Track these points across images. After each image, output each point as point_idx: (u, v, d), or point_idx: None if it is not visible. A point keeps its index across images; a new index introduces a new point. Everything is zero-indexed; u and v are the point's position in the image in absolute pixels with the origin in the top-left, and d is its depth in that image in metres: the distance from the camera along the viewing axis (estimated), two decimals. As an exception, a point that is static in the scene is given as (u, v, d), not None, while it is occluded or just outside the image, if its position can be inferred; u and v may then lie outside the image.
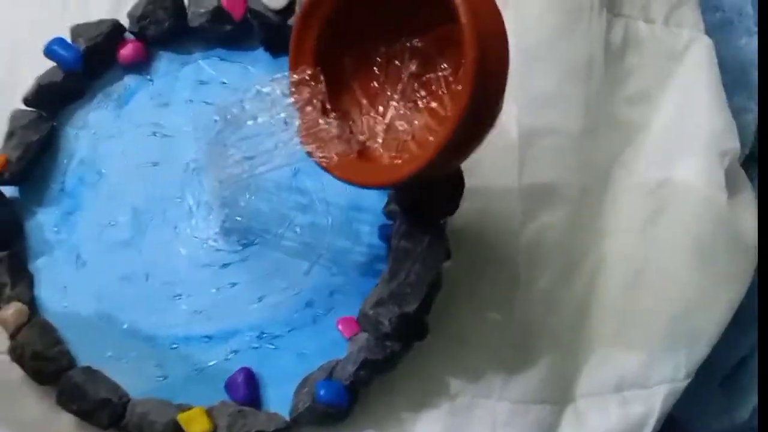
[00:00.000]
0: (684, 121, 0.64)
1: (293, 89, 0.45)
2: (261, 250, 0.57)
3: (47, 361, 0.52)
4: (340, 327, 0.55)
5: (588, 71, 0.61)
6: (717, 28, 0.68)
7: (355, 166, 0.45)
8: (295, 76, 0.45)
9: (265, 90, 0.45)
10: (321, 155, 0.44)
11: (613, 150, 0.63)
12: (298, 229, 0.57)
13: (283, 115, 0.45)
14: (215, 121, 0.48)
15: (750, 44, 0.73)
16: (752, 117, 0.70)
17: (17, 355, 0.52)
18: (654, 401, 0.58)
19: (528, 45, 0.59)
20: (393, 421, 0.55)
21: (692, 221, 0.62)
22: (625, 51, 0.64)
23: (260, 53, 0.60)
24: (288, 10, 0.55)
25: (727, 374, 0.67)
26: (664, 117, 0.64)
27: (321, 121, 0.44)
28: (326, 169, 0.45)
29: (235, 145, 0.46)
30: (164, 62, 0.60)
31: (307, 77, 0.45)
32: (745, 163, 0.66)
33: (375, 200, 0.57)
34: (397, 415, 0.55)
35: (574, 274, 0.59)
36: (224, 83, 0.59)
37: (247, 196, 0.57)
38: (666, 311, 0.60)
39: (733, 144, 0.62)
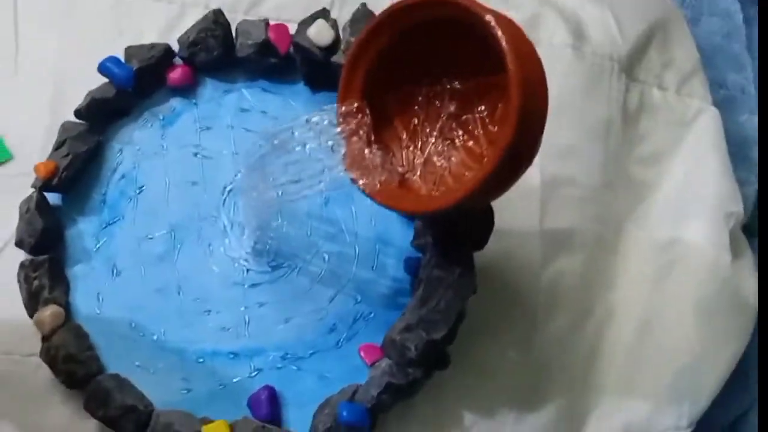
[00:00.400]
0: (692, 183, 0.68)
1: (341, 120, 0.48)
2: (289, 274, 0.59)
3: (79, 365, 0.54)
4: (362, 353, 0.57)
5: (607, 130, 0.65)
6: (720, 105, 0.72)
7: (396, 193, 0.48)
8: (343, 108, 0.48)
9: (314, 119, 0.47)
10: (364, 182, 0.47)
11: (626, 206, 0.66)
12: (326, 257, 0.59)
13: (330, 143, 0.47)
14: (260, 145, 0.51)
15: (750, 121, 0.78)
16: (753, 189, 0.74)
17: (50, 356, 0.53)
18: (657, 449, 0.60)
19: (553, 100, 0.62)
20: (407, 449, 0.56)
21: (698, 279, 0.65)
22: (640, 115, 0.68)
23: (300, 87, 0.63)
24: (333, 47, 0.58)
25: (727, 428, 0.68)
26: (674, 179, 0.68)
27: (366, 150, 0.47)
28: (369, 195, 0.48)
29: (280, 169, 0.49)
30: (209, 88, 0.63)
31: (354, 109, 0.48)
32: (744, 231, 0.70)
33: (401, 235, 0.60)
34: (411, 443, 0.57)
35: (587, 319, 0.62)
36: (264, 112, 0.62)
37: (280, 221, 0.60)
38: (671, 362, 0.62)
39: (737, 207, 0.66)
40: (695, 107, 0.69)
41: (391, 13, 0.46)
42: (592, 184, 0.63)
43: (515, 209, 0.58)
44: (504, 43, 0.39)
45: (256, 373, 0.57)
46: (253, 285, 0.59)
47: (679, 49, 0.70)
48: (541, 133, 0.42)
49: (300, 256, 0.59)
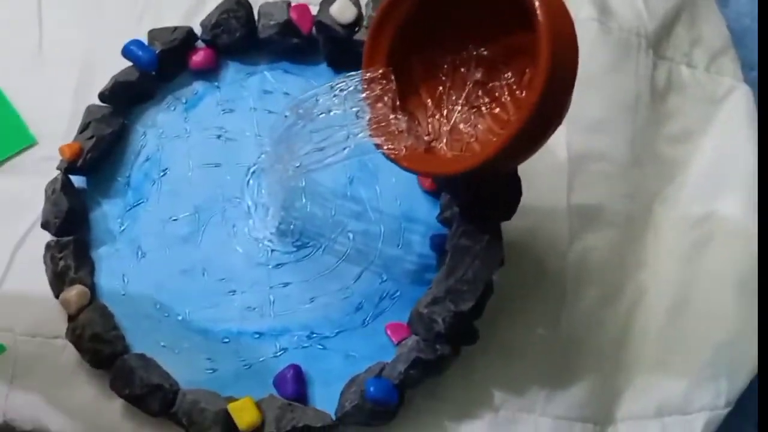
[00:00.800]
0: (724, 160, 0.66)
1: (365, 86, 0.48)
2: (314, 253, 0.58)
3: (104, 344, 0.53)
4: (388, 332, 0.57)
5: (634, 106, 0.64)
6: (752, 86, 0.71)
7: (422, 158, 0.47)
8: (368, 73, 0.48)
9: (339, 86, 0.47)
10: (389, 147, 0.46)
11: (655, 185, 0.65)
12: (351, 236, 0.59)
13: (355, 109, 0.47)
14: (285, 116, 0.50)
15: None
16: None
17: (76, 336, 0.53)
18: (694, 428, 0.59)
19: (580, 73, 0.61)
20: (436, 428, 0.55)
21: (733, 254, 0.63)
22: (668, 92, 0.67)
23: (323, 68, 0.63)
24: (355, 24, 0.58)
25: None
26: (705, 156, 0.67)
27: (391, 116, 0.46)
28: (394, 160, 0.47)
29: (305, 137, 0.48)
30: (231, 71, 0.63)
31: (379, 75, 0.47)
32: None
33: (427, 211, 0.59)
34: (440, 422, 0.56)
35: (617, 297, 0.60)
36: (287, 94, 0.62)
37: (304, 200, 0.59)
38: (707, 340, 0.61)
39: None
40: (726, 85, 0.68)
41: None
42: (620, 160, 0.62)
43: (542, 184, 0.57)
44: (534, -1, 0.39)
45: (281, 352, 0.56)
46: (278, 265, 0.58)
47: (707, 27, 0.69)
48: (571, 90, 0.41)
49: (325, 236, 0.59)
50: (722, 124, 0.68)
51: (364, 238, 0.59)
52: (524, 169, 0.49)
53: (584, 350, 0.58)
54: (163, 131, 0.61)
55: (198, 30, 0.62)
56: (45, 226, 0.56)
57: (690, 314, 0.62)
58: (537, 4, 0.39)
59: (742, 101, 0.68)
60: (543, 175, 0.58)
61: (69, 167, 0.57)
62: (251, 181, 0.60)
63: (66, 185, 0.56)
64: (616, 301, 0.60)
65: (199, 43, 0.62)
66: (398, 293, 0.58)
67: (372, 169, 0.60)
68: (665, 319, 0.61)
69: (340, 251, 0.58)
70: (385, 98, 0.47)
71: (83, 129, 0.58)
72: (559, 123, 0.42)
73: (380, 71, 0.48)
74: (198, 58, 0.61)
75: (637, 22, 0.65)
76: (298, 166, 0.49)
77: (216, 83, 0.62)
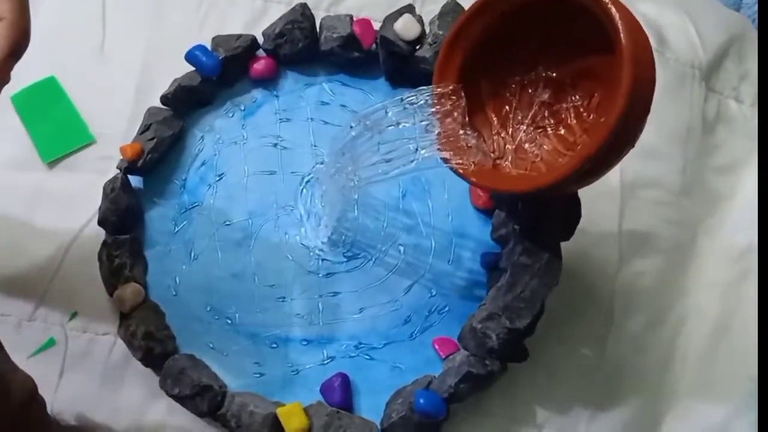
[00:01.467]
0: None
1: (436, 101, 0.49)
2: (365, 264, 0.59)
3: (156, 343, 0.54)
4: (436, 346, 0.57)
5: (687, 136, 0.65)
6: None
7: (490, 174, 0.48)
8: (439, 89, 0.48)
9: (409, 98, 0.48)
10: (458, 162, 0.47)
11: (700, 214, 0.66)
12: (401, 249, 0.59)
13: (424, 123, 0.48)
14: (351, 126, 0.51)
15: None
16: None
17: (129, 333, 0.54)
18: (732, 455, 0.59)
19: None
20: (479, 443, 0.56)
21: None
22: (716, 124, 0.68)
23: (381, 83, 0.64)
24: (418, 41, 0.59)
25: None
26: (748, 189, 0.67)
27: (461, 132, 0.47)
28: (463, 175, 0.48)
29: (372, 148, 0.49)
30: (290, 81, 0.64)
31: (450, 91, 0.48)
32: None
33: (478, 228, 0.60)
34: (483, 437, 0.56)
35: (661, 323, 0.61)
36: (344, 106, 0.63)
37: (356, 212, 0.60)
38: (747, 368, 0.61)
39: None
40: None
41: None
42: (672, 188, 0.62)
43: (595, 208, 0.58)
44: (617, 19, 0.40)
45: (328, 360, 0.57)
46: (328, 274, 0.59)
47: (754, 64, 0.70)
48: (647, 115, 0.42)
49: (376, 247, 0.59)
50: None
51: (415, 251, 0.59)
52: (579, 193, 0.50)
53: (628, 373, 0.59)
54: (220, 136, 0.61)
55: (260, 38, 0.62)
56: (102, 223, 0.57)
57: (729, 343, 0.62)
58: (620, 26, 0.40)
59: None
60: (596, 199, 0.58)
61: (129, 167, 0.57)
62: (305, 190, 0.61)
63: (125, 184, 0.57)
64: (659, 327, 0.61)
65: (260, 52, 0.63)
66: (447, 308, 0.58)
67: (424, 184, 0.61)
68: (705, 347, 0.62)
69: (391, 264, 0.59)
70: (455, 114, 0.48)
71: (144, 130, 0.59)
72: (631, 147, 0.43)
73: (451, 87, 0.48)
74: (259, 66, 0.62)
75: (692, 54, 0.66)
76: (363, 177, 0.49)
77: (275, 92, 0.63)
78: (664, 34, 0.66)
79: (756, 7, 0.85)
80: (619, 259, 0.60)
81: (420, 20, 0.59)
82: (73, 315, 0.56)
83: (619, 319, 0.59)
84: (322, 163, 0.60)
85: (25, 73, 0.59)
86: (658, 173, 0.62)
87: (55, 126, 0.62)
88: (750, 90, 0.71)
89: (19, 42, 0.40)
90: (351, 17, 0.61)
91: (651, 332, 0.60)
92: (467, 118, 0.49)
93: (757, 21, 0.82)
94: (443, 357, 0.56)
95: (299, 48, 0.61)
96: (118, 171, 0.58)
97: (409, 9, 0.60)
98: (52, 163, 0.61)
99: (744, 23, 0.75)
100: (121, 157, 0.58)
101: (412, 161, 0.47)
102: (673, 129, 0.63)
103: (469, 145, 0.47)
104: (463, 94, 0.48)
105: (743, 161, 0.68)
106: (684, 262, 0.63)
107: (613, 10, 0.40)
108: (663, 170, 0.62)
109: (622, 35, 0.39)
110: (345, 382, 0.55)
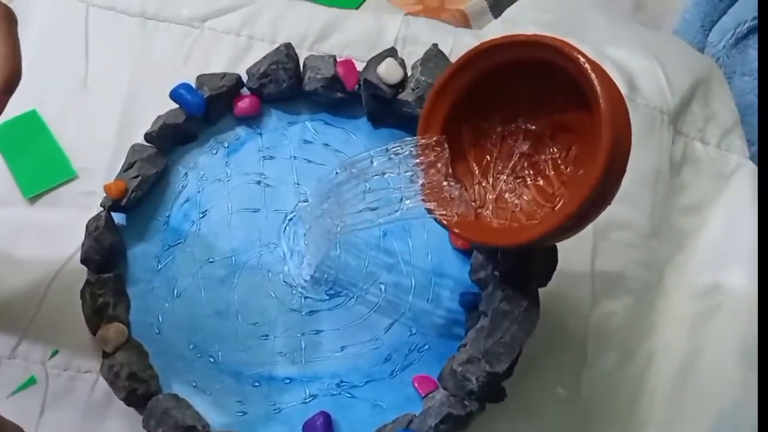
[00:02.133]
0: (731, 234, 0.70)
1: (420, 152, 0.50)
2: (347, 302, 0.60)
3: (140, 383, 0.54)
4: (415, 384, 0.58)
5: (656, 179, 0.67)
6: (752, 159, 0.75)
7: (473, 225, 0.49)
8: (423, 140, 0.50)
9: (394, 149, 0.49)
10: (442, 213, 0.49)
11: (667, 253, 0.68)
12: (382, 287, 0.61)
13: (408, 173, 0.49)
14: (336, 172, 0.53)
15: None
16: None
17: (113, 373, 0.54)
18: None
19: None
20: (456, 482, 0.57)
21: (738, 326, 0.66)
22: (682, 166, 0.71)
23: (362, 122, 0.65)
24: (400, 85, 0.61)
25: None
26: (713, 229, 0.70)
27: (444, 183, 0.49)
28: (446, 226, 0.49)
29: (358, 196, 0.50)
30: (274, 119, 0.65)
31: (433, 143, 0.50)
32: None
33: (457, 268, 0.61)
34: (460, 475, 0.57)
35: (631, 360, 0.63)
36: (327, 145, 0.64)
37: (338, 250, 0.61)
38: (712, 405, 0.64)
39: None
40: (734, 161, 0.72)
41: (480, 50, 0.48)
42: (641, 230, 0.65)
43: (569, 250, 0.59)
44: (597, 84, 0.41)
45: (310, 398, 0.58)
46: (311, 312, 0.60)
47: (719, 105, 0.73)
48: (624, 173, 0.44)
49: (357, 286, 0.61)
50: (729, 199, 0.72)
51: (396, 290, 0.61)
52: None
53: (600, 410, 0.61)
54: (204, 173, 0.62)
55: (244, 76, 0.63)
56: (85, 262, 0.57)
57: (696, 380, 0.65)
58: (599, 89, 0.42)
59: (747, 178, 0.72)
60: (570, 241, 0.60)
61: (113, 205, 0.58)
62: (288, 228, 0.62)
63: (109, 222, 0.58)
64: (630, 364, 0.63)
65: (244, 90, 0.64)
66: (426, 346, 0.59)
67: (405, 224, 0.62)
68: (672, 383, 0.64)
69: (372, 302, 0.60)
70: (439, 165, 0.49)
71: (128, 167, 0.59)
72: (608, 205, 0.44)
73: (435, 138, 0.50)
74: (243, 105, 0.63)
75: (661, 99, 0.69)
76: (348, 223, 0.51)
77: (258, 130, 0.64)
78: (635, 80, 0.69)
79: (721, 45, 0.89)
80: (591, 299, 0.62)
81: (402, 64, 0.61)
82: (54, 352, 0.57)
83: (592, 357, 0.61)
84: (305, 201, 0.61)
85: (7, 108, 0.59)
86: (629, 216, 0.65)
87: (36, 160, 0.62)
88: (715, 131, 0.74)
89: (11, 79, 0.40)
90: (334, 58, 0.63)
91: (622, 369, 0.62)
92: (450, 169, 0.50)
93: (725, 57, 0.86)
94: (423, 395, 0.58)
95: (283, 88, 0.62)
96: (102, 208, 0.58)
97: (392, 52, 0.61)
98: (33, 198, 0.61)
99: (709, 65, 0.78)
100: (105, 195, 0.58)
101: (397, 211, 0.49)
102: (643, 173, 0.66)
103: (452, 196, 0.49)
104: (446, 145, 0.50)
105: (708, 201, 0.71)
106: (652, 300, 0.65)
107: (593, 76, 0.42)
108: (633, 213, 0.65)
109: (601, 101, 0.41)
110: (327, 421, 0.56)
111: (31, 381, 0.56)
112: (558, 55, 0.44)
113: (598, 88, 0.41)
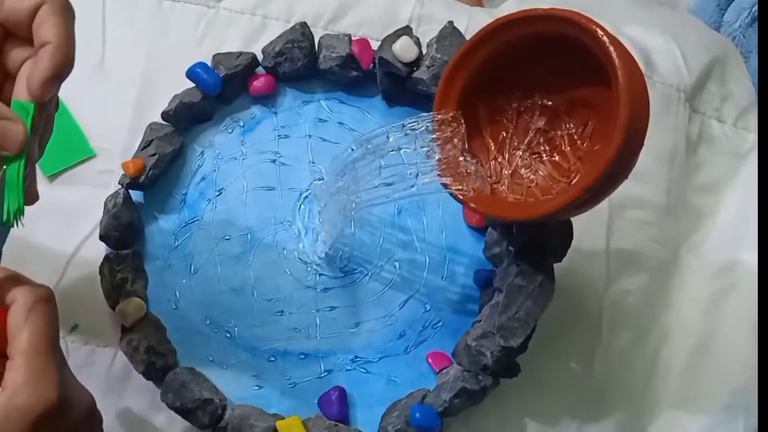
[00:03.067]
0: (747, 213, 0.69)
1: (436, 127, 0.50)
2: (361, 279, 0.61)
3: (158, 357, 0.55)
4: (429, 360, 0.59)
5: (672, 157, 0.67)
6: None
7: (488, 200, 0.50)
8: (439, 115, 0.50)
9: (410, 125, 0.49)
10: (458, 188, 0.49)
11: (684, 232, 0.68)
12: (397, 264, 0.61)
13: (425, 149, 0.49)
14: (351, 149, 0.53)
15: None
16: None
17: (132, 347, 0.55)
18: (712, 467, 0.61)
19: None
20: (470, 456, 0.58)
21: (753, 304, 0.66)
22: (699, 145, 0.71)
23: (377, 100, 0.65)
24: (415, 63, 0.61)
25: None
26: (729, 208, 0.70)
27: (461, 158, 0.49)
28: (462, 201, 0.50)
29: (374, 172, 0.51)
30: (289, 98, 0.65)
31: (450, 118, 0.50)
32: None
33: (471, 245, 0.62)
34: (473, 450, 0.58)
35: (646, 338, 0.63)
36: (341, 123, 0.64)
37: (352, 228, 0.61)
38: (727, 383, 0.64)
39: None
40: (751, 140, 0.72)
41: (497, 26, 0.48)
42: (657, 208, 0.65)
43: (584, 228, 0.60)
44: (615, 57, 0.41)
45: (325, 374, 0.58)
46: (325, 289, 0.60)
47: (736, 84, 0.73)
48: (641, 148, 0.44)
49: (372, 263, 0.61)
50: (746, 178, 0.71)
51: (410, 267, 0.61)
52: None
53: (614, 387, 0.61)
54: (219, 152, 0.63)
55: (259, 55, 0.63)
56: (104, 238, 0.58)
57: (710, 358, 0.65)
58: (618, 65, 0.42)
59: None
60: (585, 219, 0.60)
61: (130, 182, 0.58)
62: (302, 206, 0.62)
63: (127, 200, 0.58)
64: (644, 342, 0.63)
65: (259, 69, 0.64)
66: (440, 323, 0.60)
67: (419, 201, 0.62)
68: (687, 361, 0.64)
69: (387, 279, 0.61)
70: (455, 140, 0.49)
71: (145, 146, 0.60)
72: (625, 179, 0.45)
73: (451, 114, 0.50)
74: (259, 84, 0.63)
75: (678, 77, 0.69)
76: (364, 199, 0.51)
77: (273, 109, 0.64)
78: (652, 57, 0.69)
79: (737, 25, 0.88)
80: (606, 277, 0.62)
81: (417, 42, 0.61)
82: (74, 327, 0.57)
83: (607, 335, 0.61)
84: (320, 180, 0.62)
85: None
86: (645, 194, 0.65)
87: (55, 139, 0.63)
88: (732, 110, 0.73)
89: (63, 66, 0.41)
90: (349, 37, 0.63)
91: (636, 347, 0.62)
92: (466, 144, 0.51)
93: (741, 36, 0.85)
94: (437, 371, 0.58)
95: (298, 66, 0.62)
96: (120, 186, 0.59)
97: (407, 31, 0.61)
98: (52, 177, 0.61)
99: (726, 44, 0.78)
100: (123, 173, 0.59)
101: (413, 186, 0.49)
102: (658, 151, 0.66)
103: (468, 171, 0.49)
104: (462, 120, 0.50)
105: (725, 180, 0.71)
106: (668, 279, 0.65)
107: (611, 48, 0.42)
108: (649, 191, 0.65)
109: (619, 74, 0.41)
110: (342, 395, 0.57)
111: None
112: (576, 28, 0.44)
113: (617, 61, 0.42)
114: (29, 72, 0.40)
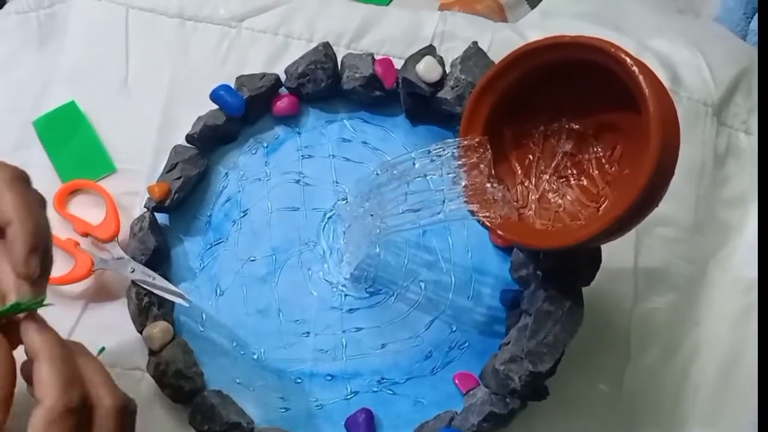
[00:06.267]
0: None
1: (462, 153, 0.50)
2: (386, 300, 0.61)
3: (186, 380, 0.55)
4: (456, 381, 0.59)
5: (700, 172, 0.66)
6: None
7: (516, 227, 0.49)
8: (465, 141, 0.50)
9: (436, 151, 0.49)
10: (485, 215, 0.49)
11: (712, 247, 0.68)
12: (422, 285, 0.61)
13: (451, 175, 0.49)
14: (377, 174, 0.53)
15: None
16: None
17: (159, 371, 0.55)
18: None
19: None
20: (498, 478, 0.57)
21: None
22: (726, 157, 0.70)
23: (401, 120, 0.65)
24: (439, 83, 0.60)
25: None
26: (756, 222, 0.69)
27: (488, 184, 0.49)
28: (489, 228, 0.49)
29: (399, 198, 0.51)
30: (312, 118, 0.65)
31: (476, 144, 0.50)
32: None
33: (497, 265, 0.61)
34: (501, 472, 0.57)
35: (674, 355, 0.63)
36: (365, 143, 0.64)
37: (377, 248, 0.61)
38: (754, 402, 0.63)
39: None
40: None
41: (524, 52, 0.48)
42: (685, 224, 0.64)
43: (612, 247, 0.59)
44: (645, 87, 0.41)
45: (352, 395, 0.58)
46: (351, 310, 0.60)
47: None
48: (672, 176, 0.43)
49: (397, 283, 0.61)
50: (774, 189, 0.70)
51: (436, 287, 0.61)
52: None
53: (643, 406, 0.61)
54: (244, 173, 0.63)
55: (282, 75, 0.63)
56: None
57: (739, 375, 0.64)
58: (647, 90, 0.41)
59: None
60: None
61: (156, 206, 0.59)
62: (327, 226, 0.62)
63: (153, 224, 0.58)
64: (673, 359, 0.63)
65: (282, 89, 0.64)
66: (467, 344, 0.60)
67: (444, 221, 0.62)
68: (716, 378, 0.64)
69: (412, 299, 0.61)
70: (481, 166, 0.49)
71: (170, 169, 0.60)
72: (655, 207, 0.44)
73: (477, 139, 0.50)
74: (282, 104, 0.63)
75: (705, 91, 0.68)
76: (390, 225, 0.51)
77: (297, 129, 0.64)
78: (678, 72, 0.68)
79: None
80: (634, 295, 0.62)
81: (441, 61, 0.60)
82: (101, 350, 0.58)
83: (636, 353, 0.61)
84: (344, 200, 0.62)
85: (48, 106, 0.63)
86: (672, 211, 0.64)
87: (76, 154, 0.63)
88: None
89: (34, 239, 0.40)
90: (372, 56, 0.63)
91: (665, 365, 0.62)
92: (492, 170, 0.50)
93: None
94: (464, 392, 0.58)
95: (322, 87, 0.62)
96: (145, 209, 0.59)
97: (430, 50, 0.61)
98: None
99: (752, 54, 0.76)
100: (148, 196, 0.59)
101: (439, 213, 0.49)
102: (686, 167, 0.65)
103: (495, 198, 0.49)
104: (488, 146, 0.50)
105: (753, 192, 0.70)
106: (696, 295, 0.65)
107: (641, 78, 0.41)
108: (677, 208, 0.64)
109: (650, 103, 0.41)
110: (369, 417, 0.57)
111: None
112: (605, 56, 0.43)
113: (647, 91, 0.41)
114: (10, 258, 0.40)
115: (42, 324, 0.40)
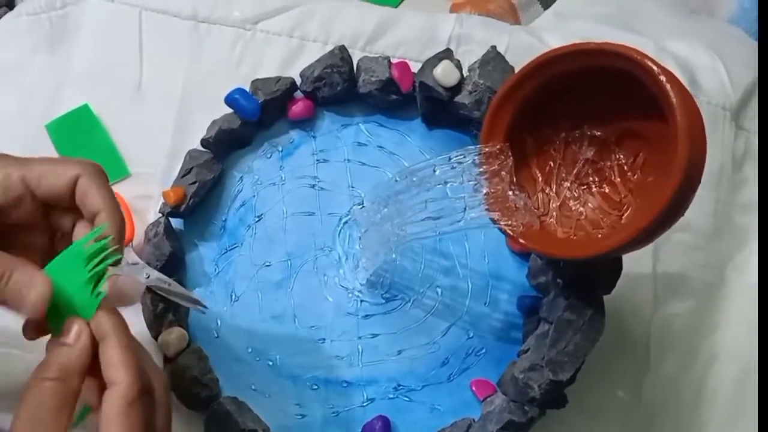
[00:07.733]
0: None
1: (483, 160, 0.49)
2: (403, 306, 0.60)
3: (202, 387, 0.55)
4: (473, 388, 0.58)
5: (719, 177, 0.66)
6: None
7: (540, 236, 0.49)
8: (486, 148, 0.49)
9: (457, 158, 0.49)
10: (507, 223, 0.48)
11: (730, 252, 0.67)
12: (439, 290, 0.60)
13: (472, 182, 0.49)
14: (396, 180, 0.52)
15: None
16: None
17: (174, 378, 0.55)
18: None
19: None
20: (516, 486, 0.57)
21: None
22: (744, 161, 0.69)
23: (417, 123, 0.65)
24: (457, 88, 0.60)
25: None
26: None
27: (510, 192, 0.48)
28: (511, 236, 0.49)
29: (419, 205, 0.50)
30: (327, 121, 0.64)
31: (497, 151, 0.49)
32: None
33: (514, 271, 0.61)
34: (519, 480, 0.57)
35: (693, 362, 0.63)
36: (381, 147, 0.64)
37: (394, 254, 0.61)
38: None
39: None
40: None
41: (546, 59, 0.47)
42: (704, 230, 0.64)
43: (630, 254, 0.59)
44: (673, 96, 0.40)
45: (368, 402, 0.58)
46: (367, 316, 0.60)
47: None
48: (697, 187, 0.43)
49: (414, 289, 0.60)
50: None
51: (452, 293, 0.60)
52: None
53: (662, 413, 0.61)
54: (258, 178, 0.62)
55: (297, 78, 0.63)
56: (145, 268, 0.57)
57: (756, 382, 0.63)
58: (675, 100, 0.41)
59: None
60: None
61: (171, 211, 0.58)
62: (342, 231, 0.61)
63: (168, 229, 0.58)
64: (692, 366, 0.63)
65: (298, 93, 0.63)
66: (484, 350, 0.59)
67: (464, 229, 0.61)
68: (735, 383, 0.64)
69: (429, 305, 0.60)
70: (502, 173, 0.49)
71: (185, 174, 0.59)
72: (681, 216, 0.43)
73: (498, 147, 0.49)
74: (297, 108, 0.63)
75: (723, 95, 0.67)
76: (410, 232, 0.50)
77: (312, 133, 0.64)
78: (697, 76, 0.67)
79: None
80: (654, 301, 0.61)
81: (458, 65, 0.60)
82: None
83: (655, 360, 0.61)
84: (359, 205, 0.61)
85: (61, 110, 0.62)
86: (691, 217, 0.63)
87: (90, 157, 0.62)
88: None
89: (120, 231, 0.44)
90: (389, 60, 0.62)
91: (684, 372, 0.62)
92: (514, 177, 0.50)
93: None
94: (481, 399, 0.57)
95: (338, 91, 0.62)
96: (160, 214, 0.58)
97: (448, 54, 0.60)
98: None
99: (770, 58, 0.76)
100: (163, 201, 0.58)
101: (460, 221, 0.48)
102: (706, 172, 0.63)
103: (517, 205, 0.48)
104: (510, 153, 0.49)
105: (767, 195, 0.69)
106: (715, 301, 0.65)
107: (668, 87, 0.41)
108: (696, 214, 0.63)
109: (677, 113, 0.40)
110: (385, 424, 0.56)
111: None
112: (631, 64, 0.43)
113: (675, 100, 0.40)
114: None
115: (110, 308, 0.41)
